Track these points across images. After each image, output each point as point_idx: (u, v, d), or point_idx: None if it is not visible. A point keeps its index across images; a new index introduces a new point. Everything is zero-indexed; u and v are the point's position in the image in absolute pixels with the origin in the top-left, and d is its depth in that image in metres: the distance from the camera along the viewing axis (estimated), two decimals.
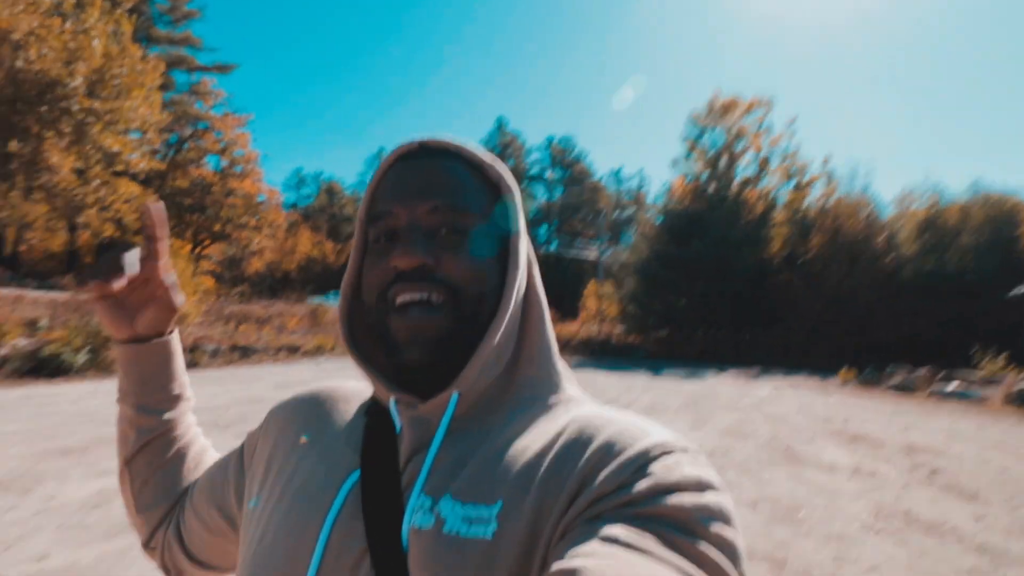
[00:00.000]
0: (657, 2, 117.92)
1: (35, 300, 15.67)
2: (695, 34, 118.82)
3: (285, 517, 0.56)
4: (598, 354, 23.17)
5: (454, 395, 0.55)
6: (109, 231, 14.78)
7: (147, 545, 0.75)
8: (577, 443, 0.50)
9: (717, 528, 0.43)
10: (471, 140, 0.63)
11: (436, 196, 0.57)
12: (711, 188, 27.85)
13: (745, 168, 28.01)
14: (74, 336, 11.57)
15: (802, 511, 4.71)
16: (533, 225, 65.37)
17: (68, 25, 12.29)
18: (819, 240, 24.93)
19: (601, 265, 38.44)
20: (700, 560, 0.41)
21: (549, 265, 61.47)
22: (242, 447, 0.72)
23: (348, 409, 0.66)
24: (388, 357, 0.57)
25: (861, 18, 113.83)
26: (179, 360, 0.76)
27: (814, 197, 26.93)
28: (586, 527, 0.43)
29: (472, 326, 0.56)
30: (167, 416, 0.74)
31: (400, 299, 0.55)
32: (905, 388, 13.30)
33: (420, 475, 0.52)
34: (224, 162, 34.39)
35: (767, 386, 13.74)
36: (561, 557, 0.42)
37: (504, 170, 0.63)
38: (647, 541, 0.41)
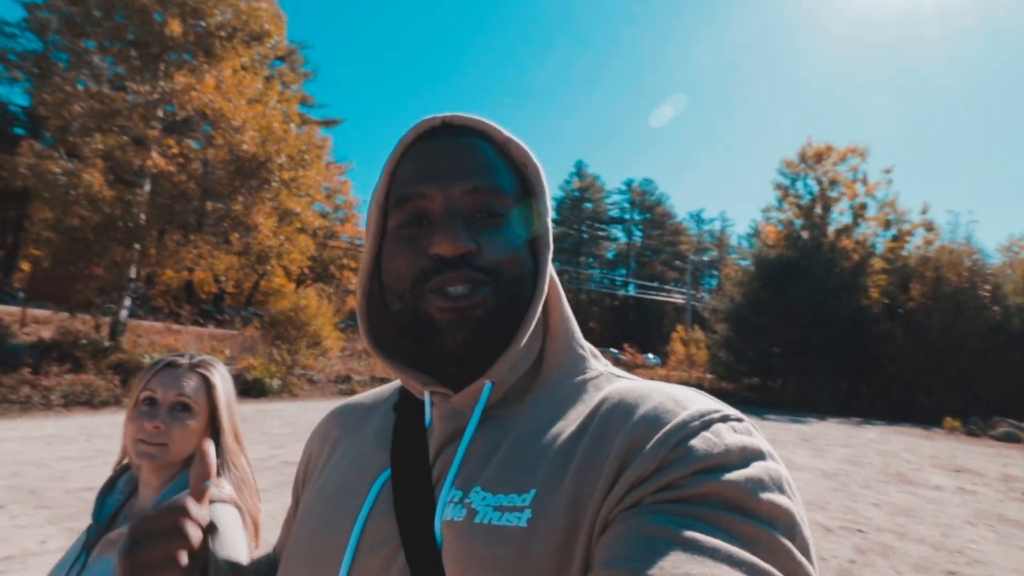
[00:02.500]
0: (741, 48, 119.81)
1: (210, 335, 19.19)
2: (783, 78, 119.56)
3: (319, 519, 0.59)
4: None
5: (487, 384, 0.56)
6: (280, 277, 18.07)
7: None
8: (612, 422, 0.50)
9: (768, 497, 0.43)
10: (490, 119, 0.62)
11: (474, 176, 0.57)
12: (805, 235, 29.08)
13: (840, 215, 29.15)
14: (267, 365, 14.60)
15: (916, 512, 6.53)
16: (612, 267, 67.29)
17: (264, 110, 15.85)
18: (920, 289, 25.64)
19: (688, 309, 39.72)
20: (752, 539, 0.40)
21: (628, 307, 62.90)
22: (295, 484, 0.74)
23: (376, 412, 0.69)
24: (425, 345, 0.57)
25: (960, 65, 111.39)
26: None
27: (914, 245, 27.75)
28: (626, 520, 0.43)
29: (513, 309, 0.57)
30: None
31: (444, 287, 0.55)
32: (1010, 439, 14.29)
33: (451, 468, 0.54)
34: (327, 208, 38.77)
35: (873, 431, 15.07)
36: (606, 554, 0.42)
37: (530, 151, 0.62)
38: (690, 532, 0.40)
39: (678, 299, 53.94)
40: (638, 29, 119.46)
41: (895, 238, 28.07)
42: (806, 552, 0.42)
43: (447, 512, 0.50)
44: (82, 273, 13.55)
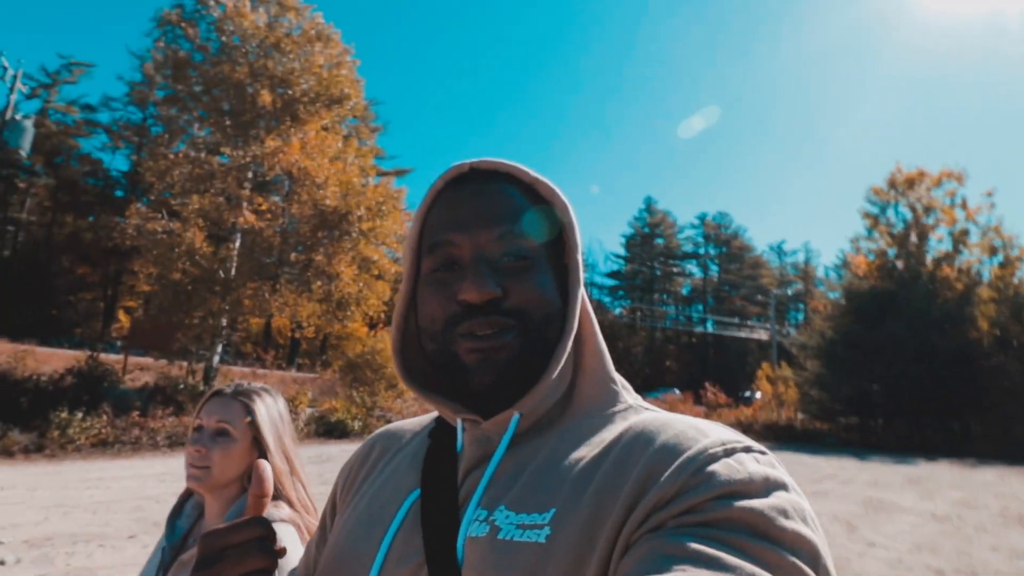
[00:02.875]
0: (817, 71, 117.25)
1: (292, 378, 20.23)
2: (865, 102, 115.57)
3: (352, 531, 0.63)
4: (784, 440, 23.47)
5: (515, 416, 0.59)
6: (357, 322, 18.93)
7: None
8: (634, 448, 0.52)
9: (792, 526, 0.43)
10: (518, 161, 0.65)
11: (499, 223, 0.60)
12: (899, 264, 27.60)
13: (939, 243, 27.52)
14: (348, 407, 15.25)
15: None
16: (687, 303, 65.79)
17: (344, 167, 16.98)
18: None
19: (774, 346, 38.16)
20: (775, 565, 0.40)
21: (707, 345, 61.02)
22: (332, 493, 0.77)
23: (414, 437, 0.73)
24: (457, 382, 0.61)
25: None
26: None
27: None
28: (650, 541, 0.44)
29: (540, 349, 0.60)
30: None
31: (472, 332, 0.58)
32: None
33: (478, 489, 0.56)
34: (397, 254, 40.40)
35: (990, 473, 13.87)
36: (627, 573, 0.43)
37: (557, 188, 0.65)
38: (714, 551, 0.41)
39: (761, 335, 51.89)
40: (706, 55, 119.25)
41: (1003, 265, 26.12)
42: None
43: (471, 529, 0.53)
44: (181, 323, 14.74)
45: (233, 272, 15.34)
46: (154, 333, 19.96)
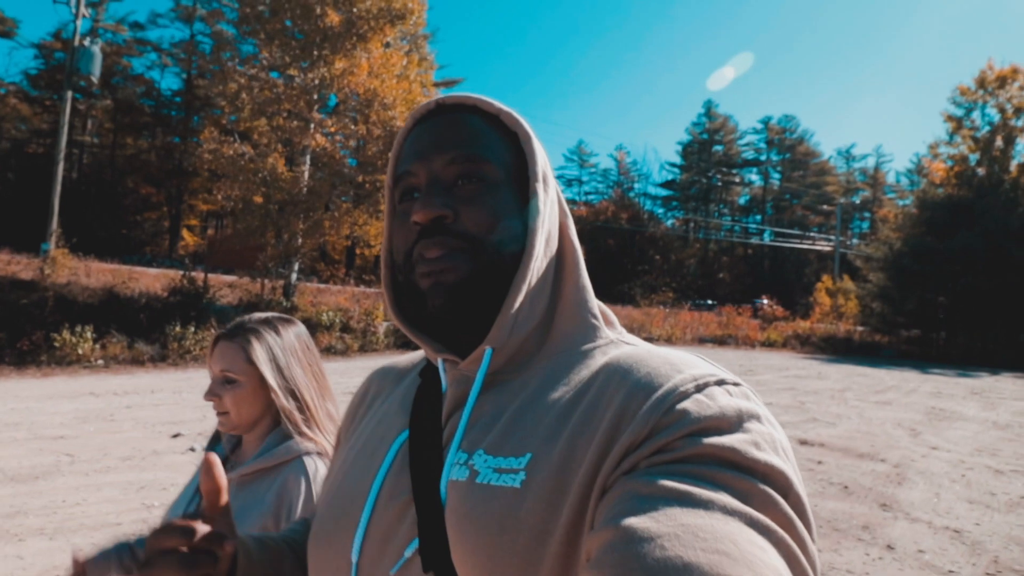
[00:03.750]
0: None
1: (363, 293, 21.58)
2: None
3: (346, 474, 0.67)
4: (841, 352, 23.92)
5: (487, 351, 0.60)
6: None
7: None
8: (607, 388, 0.54)
9: (763, 457, 0.44)
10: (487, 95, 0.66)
11: (452, 148, 0.61)
12: (981, 171, 26.53)
13: None
14: None
15: None
16: (745, 213, 64.49)
17: (409, 86, 17.28)
18: None
19: (836, 257, 37.70)
20: (747, 493, 0.42)
21: (763, 256, 60.35)
22: (338, 434, 0.82)
23: (408, 375, 0.75)
24: (417, 309, 0.64)
25: None
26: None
27: None
28: (623, 484, 0.45)
29: (494, 274, 0.60)
30: None
31: (423, 253, 0.60)
32: None
33: (457, 432, 0.58)
34: None
35: None
36: (603, 516, 0.44)
37: (521, 118, 0.66)
38: (686, 486, 0.42)
39: (822, 246, 50.95)
40: None
41: None
42: (801, 513, 0.44)
43: (452, 472, 0.55)
44: (266, 242, 15.91)
45: (305, 193, 16.26)
46: (230, 252, 21.42)
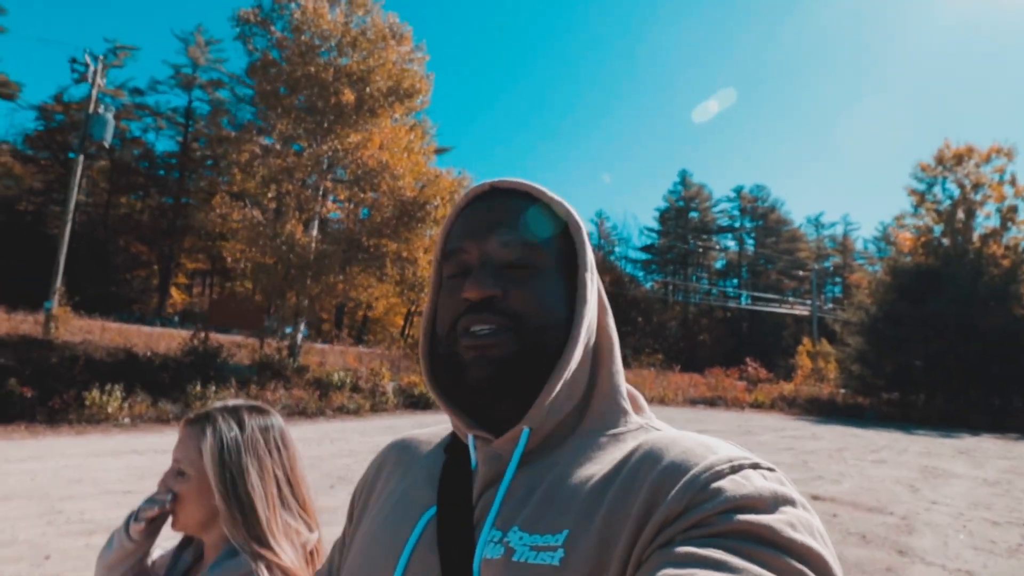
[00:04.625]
0: (856, 42, 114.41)
1: (365, 353, 21.93)
2: (909, 73, 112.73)
3: (368, 549, 0.65)
4: (826, 413, 24.66)
5: (525, 431, 0.61)
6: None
7: None
8: (642, 467, 0.54)
9: (801, 538, 0.44)
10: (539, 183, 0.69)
11: (507, 232, 0.64)
12: (946, 241, 28.24)
13: (986, 219, 28.08)
14: None
15: None
16: (723, 277, 66.44)
17: (417, 158, 18.32)
18: None
19: (814, 321, 39.04)
20: (783, 570, 0.41)
21: (742, 319, 61.87)
22: (351, 505, 0.81)
23: (430, 450, 0.75)
24: (455, 381, 0.65)
25: None
26: None
27: None
28: (660, 554, 0.46)
29: (536, 355, 0.62)
30: None
31: (469, 327, 0.61)
32: None
33: (492, 509, 0.58)
34: None
35: None
36: None
37: (572, 209, 0.69)
38: (720, 554, 0.42)
39: (799, 311, 52.60)
40: (740, 22, 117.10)
41: None
42: None
43: (486, 551, 0.55)
44: (273, 303, 16.39)
45: (317, 257, 16.90)
46: (229, 312, 21.74)
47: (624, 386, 0.69)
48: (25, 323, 16.96)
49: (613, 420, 0.65)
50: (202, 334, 15.55)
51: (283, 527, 1.14)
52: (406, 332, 34.09)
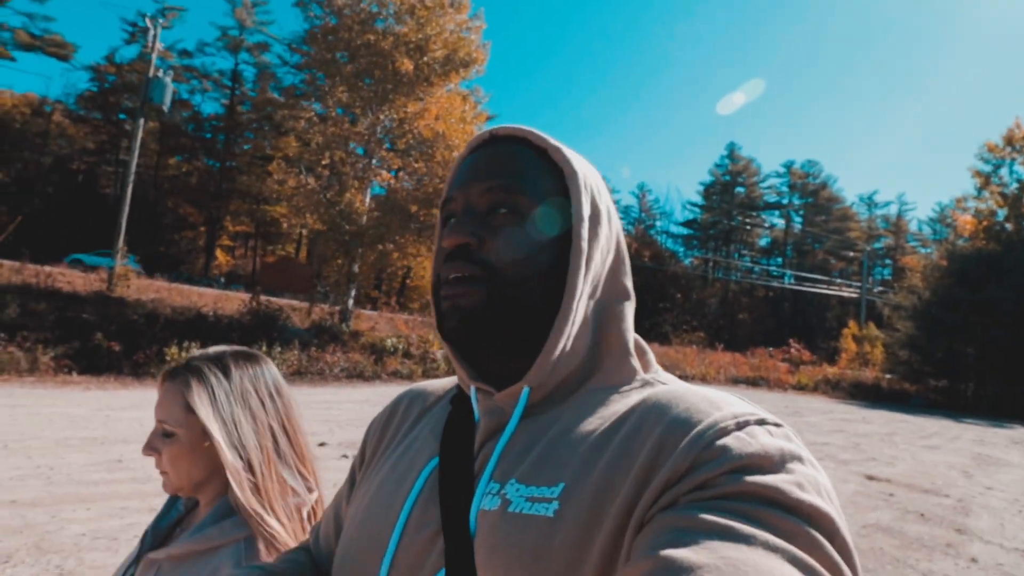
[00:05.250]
0: (920, 11, 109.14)
1: (414, 320, 22.66)
2: (974, 50, 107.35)
3: (374, 499, 0.67)
4: (871, 398, 24.63)
5: (525, 389, 0.61)
6: None
7: None
8: (645, 422, 0.54)
9: (808, 498, 0.43)
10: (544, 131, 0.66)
11: (490, 177, 0.63)
12: (1009, 226, 27.53)
13: None
14: None
15: None
16: (766, 255, 65.49)
17: (471, 129, 18.61)
18: None
19: (863, 304, 38.52)
20: (792, 533, 0.41)
21: (785, 299, 61.17)
22: (362, 445, 0.82)
23: (439, 401, 0.77)
24: (438, 328, 0.65)
25: None
26: None
27: None
28: (664, 518, 0.45)
29: (508, 307, 0.61)
30: None
31: (447, 276, 0.62)
32: None
33: (490, 461, 0.59)
34: None
35: None
36: (641, 548, 0.44)
37: (571, 155, 0.66)
38: (727, 521, 0.42)
39: (845, 292, 51.74)
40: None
41: None
42: (847, 558, 0.43)
43: (483, 502, 0.56)
44: (330, 269, 17.08)
45: (367, 226, 17.47)
46: (278, 276, 22.60)
47: (632, 342, 0.67)
48: (85, 280, 17.95)
49: (619, 377, 0.64)
50: (261, 297, 16.35)
51: (279, 486, 1.08)
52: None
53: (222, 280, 36.55)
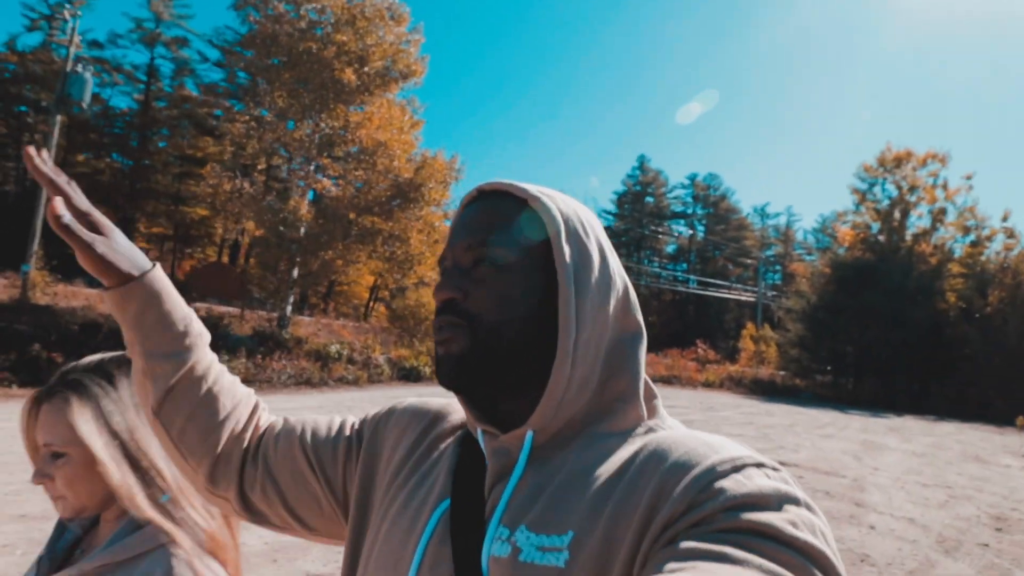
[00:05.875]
0: (811, 42, 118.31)
1: (355, 327, 22.55)
2: (857, 75, 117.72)
3: (388, 535, 0.67)
4: (769, 393, 26.85)
5: (529, 433, 0.62)
6: (413, 279, 21.27)
7: (212, 485, 0.77)
8: (647, 469, 0.54)
9: (804, 536, 0.44)
10: (530, 182, 0.69)
11: (471, 234, 0.65)
12: (882, 238, 30.71)
13: (918, 219, 30.67)
14: (416, 354, 17.74)
15: (990, 479, 8.99)
16: (673, 261, 69.03)
17: (410, 138, 18.89)
18: (998, 295, 27.09)
19: (759, 307, 41.57)
20: (787, 564, 0.42)
21: (689, 302, 64.75)
22: (359, 427, 0.82)
23: (449, 436, 0.75)
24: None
25: None
26: (171, 296, 0.75)
27: (993, 251, 29.14)
28: (664, 552, 0.46)
29: (490, 350, 0.63)
30: (180, 358, 0.74)
31: (434, 327, 0.66)
32: None
33: (499, 507, 0.59)
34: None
35: (950, 426, 17.29)
36: None
37: (553, 202, 0.66)
38: (723, 548, 0.43)
39: (743, 296, 55.53)
40: (697, 19, 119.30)
41: (974, 244, 29.46)
42: None
43: (494, 548, 0.56)
44: (277, 274, 16.88)
45: (307, 233, 17.39)
46: (211, 281, 21.91)
47: (642, 386, 0.67)
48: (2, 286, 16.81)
49: (624, 420, 0.64)
50: (194, 305, 15.93)
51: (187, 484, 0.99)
52: (369, 305, 34.72)
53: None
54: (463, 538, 0.59)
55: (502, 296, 0.63)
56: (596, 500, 0.55)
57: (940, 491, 8.00)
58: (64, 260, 28.61)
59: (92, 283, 26.49)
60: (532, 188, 0.67)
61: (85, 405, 0.96)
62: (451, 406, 0.79)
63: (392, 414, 0.81)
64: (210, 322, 15.04)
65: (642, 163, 67.13)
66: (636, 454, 0.58)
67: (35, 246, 18.80)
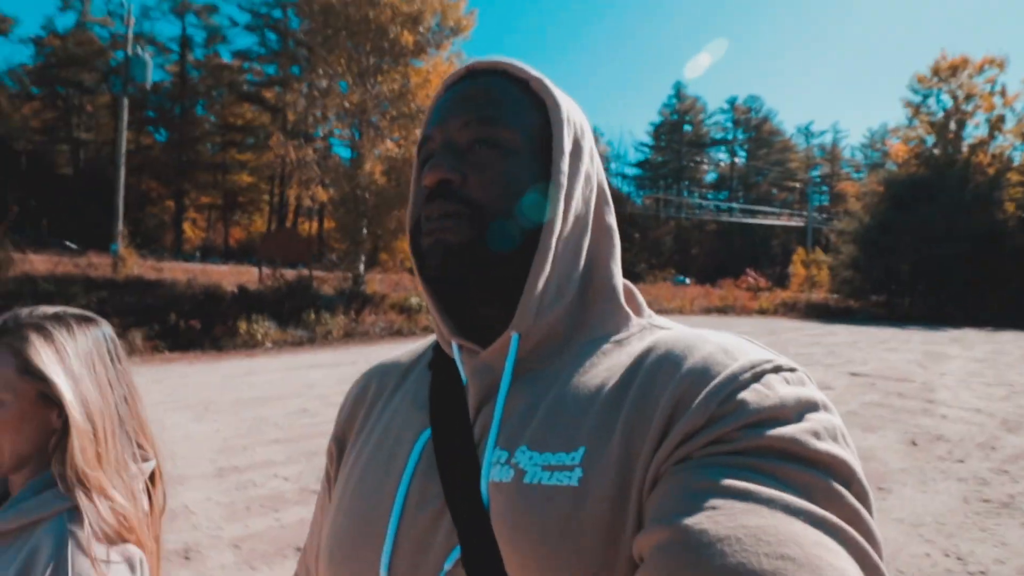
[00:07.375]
0: None
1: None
2: None
3: (361, 480, 0.61)
4: (824, 316, 27.63)
5: (514, 336, 0.57)
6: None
7: None
8: (659, 375, 0.51)
9: (825, 447, 0.43)
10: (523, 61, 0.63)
11: (468, 111, 0.59)
12: (937, 152, 30.48)
13: (975, 129, 30.23)
14: None
15: None
16: (714, 190, 68.59)
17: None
18: None
19: (809, 230, 41.73)
20: (809, 487, 0.41)
21: (733, 231, 64.68)
22: (328, 458, 0.74)
23: (412, 370, 0.70)
24: (420, 272, 0.62)
25: None
26: None
27: None
28: (678, 474, 0.44)
29: (499, 244, 0.58)
30: None
31: (428, 215, 0.59)
32: None
33: (492, 427, 0.54)
34: None
35: (1008, 336, 18.08)
36: (655, 511, 0.42)
37: (551, 86, 0.63)
38: (746, 484, 0.40)
39: (788, 221, 55.33)
40: None
41: None
42: (864, 501, 0.42)
43: (493, 473, 0.52)
44: (355, 238, 18.32)
45: (388, 195, 18.56)
46: (279, 247, 23.52)
47: (621, 285, 0.65)
48: (78, 265, 18.50)
49: (614, 323, 0.61)
50: (279, 271, 17.53)
51: (117, 457, 0.94)
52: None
53: (197, 255, 36.66)
54: (453, 467, 0.55)
55: (508, 183, 0.59)
56: (604, 411, 0.51)
57: (1002, 388, 9.07)
58: (144, 237, 30.64)
59: (182, 258, 28.50)
60: (532, 69, 0.64)
61: (47, 346, 0.92)
62: (400, 350, 0.77)
63: (354, 388, 0.76)
64: (301, 284, 16.64)
65: (678, 90, 66.13)
66: (641, 357, 0.55)
67: (120, 225, 20.60)
